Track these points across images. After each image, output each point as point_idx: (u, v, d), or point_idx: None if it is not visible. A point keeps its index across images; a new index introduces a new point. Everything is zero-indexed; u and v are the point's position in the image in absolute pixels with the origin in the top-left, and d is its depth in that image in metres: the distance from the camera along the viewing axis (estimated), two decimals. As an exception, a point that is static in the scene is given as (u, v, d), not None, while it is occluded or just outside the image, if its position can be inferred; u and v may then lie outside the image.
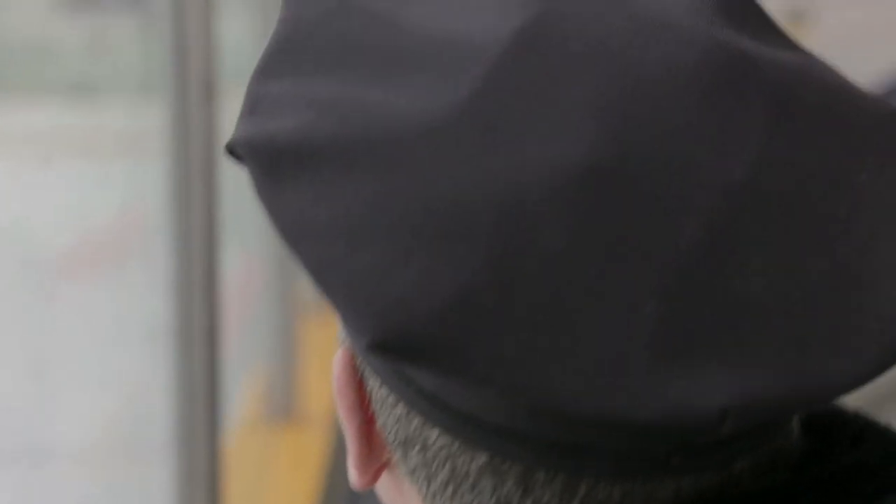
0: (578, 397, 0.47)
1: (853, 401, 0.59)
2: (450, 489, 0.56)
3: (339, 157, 0.51)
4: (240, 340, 3.60)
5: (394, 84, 0.54)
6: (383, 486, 0.63)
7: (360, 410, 0.59)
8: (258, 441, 3.31)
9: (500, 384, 0.48)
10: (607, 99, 0.51)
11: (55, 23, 21.95)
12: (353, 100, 0.53)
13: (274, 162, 0.52)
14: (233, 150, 0.53)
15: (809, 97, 0.54)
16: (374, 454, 0.60)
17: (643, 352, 0.47)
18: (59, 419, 5.19)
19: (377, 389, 0.58)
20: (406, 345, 0.48)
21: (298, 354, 3.61)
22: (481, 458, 0.54)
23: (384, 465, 0.61)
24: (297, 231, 0.50)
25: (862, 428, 0.60)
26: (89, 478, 4.33)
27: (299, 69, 0.56)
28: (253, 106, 0.55)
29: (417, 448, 0.57)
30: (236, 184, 2.68)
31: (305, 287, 4.41)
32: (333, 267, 0.49)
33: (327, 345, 3.63)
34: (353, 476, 0.61)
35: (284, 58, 0.57)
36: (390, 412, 0.57)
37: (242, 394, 3.60)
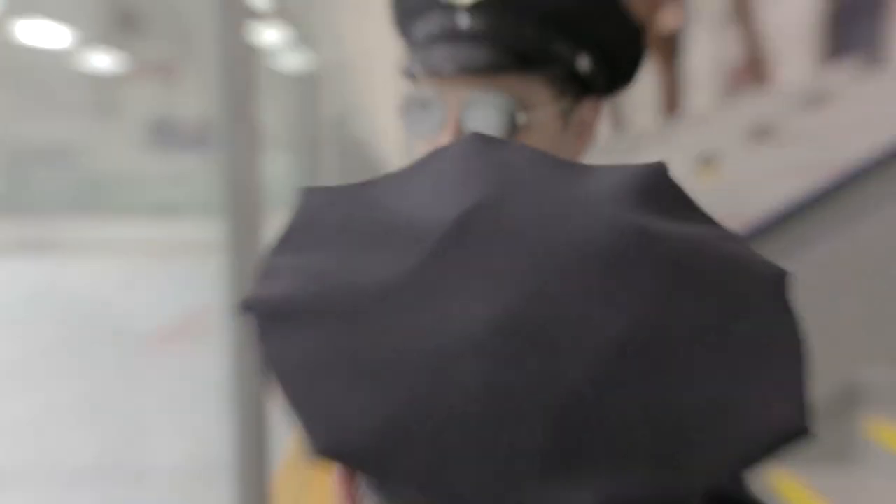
0: (477, 499, 0.53)
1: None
2: None
3: (313, 313, 0.58)
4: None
5: (367, 256, 0.61)
6: None
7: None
8: (298, 475, 3.25)
9: (415, 485, 0.53)
10: (524, 268, 0.57)
11: (143, 159, 29.49)
12: (335, 269, 0.60)
13: (267, 316, 0.59)
14: (244, 307, 0.60)
15: (700, 265, 0.60)
16: None
17: (535, 465, 0.52)
18: (153, 451, 6.11)
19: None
20: (344, 453, 0.54)
21: None
22: None
23: None
24: (277, 368, 0.56)
25: None
26: (173, 493, 4.60)
27: (301, 246, 0.63)
28: (263, 274, 0.61)
29: None
30: None
31: None
32: (299, 396, 0.55)
33: None
34: None
35: (291, 237, 0.64)
36: None
37: (288, 438, 3.58)
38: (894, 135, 5.73)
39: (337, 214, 0.65)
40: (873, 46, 17.58)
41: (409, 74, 1.24)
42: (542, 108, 1.21)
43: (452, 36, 1.21)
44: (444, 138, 1.20)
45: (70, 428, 7.48)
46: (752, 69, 17.89)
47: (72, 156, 31.24)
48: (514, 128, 1.19)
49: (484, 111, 1.19)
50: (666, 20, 15.16)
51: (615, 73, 1.28)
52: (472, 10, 1.21)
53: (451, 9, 1.22)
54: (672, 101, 23.42)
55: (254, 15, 1.79)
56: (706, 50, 25.20)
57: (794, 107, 10.75)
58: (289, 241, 0.64)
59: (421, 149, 1.25)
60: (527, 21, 1.20)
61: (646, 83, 26.23)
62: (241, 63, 1.72)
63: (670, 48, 20.39)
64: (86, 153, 31.58)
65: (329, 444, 0.54)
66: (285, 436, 3.32)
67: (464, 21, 1.20)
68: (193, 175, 28.47)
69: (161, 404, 7.14)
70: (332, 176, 3.82)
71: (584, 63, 1.23)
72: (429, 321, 0.56)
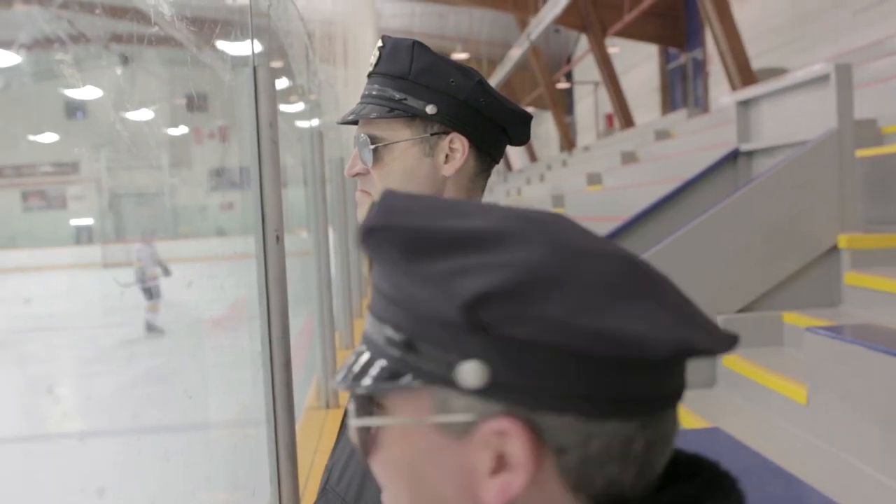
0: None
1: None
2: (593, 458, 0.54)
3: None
4: (304, 364, 3.45)
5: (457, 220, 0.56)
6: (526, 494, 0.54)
7: (529, 470, 0.53)
8: (318, 418, 3.13)
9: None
10: None
11: (208, 196, 29.00)
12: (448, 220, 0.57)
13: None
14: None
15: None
16: (535, 486, 0.54)
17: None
18: (213, 407, 5.77)
19: (553, 427, 0.53)
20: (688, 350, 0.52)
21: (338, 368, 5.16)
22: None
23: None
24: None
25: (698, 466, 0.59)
26: (229, 439, 4.39)
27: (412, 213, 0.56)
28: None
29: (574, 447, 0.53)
30: (299, 277, 3.42)
31: (340, 334, 4.38)
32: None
33: None
34: (499, 499, 0.54)
35: (399, 210, 0.57)
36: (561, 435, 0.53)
37: (308, 393, 3.43)
38: (713, 155, 5.86)
39: (422, 202, 0.59)
40: (696, 98, 17.95)
41: None
42: (401, 141, 1.25)
43: (362, 97, 1.31)
44: (352, 158, 1.29)
45: (154, 391, 7.49)
46: (619, 116, 18.16)
47: (158, 196, 31.08)
48: (373, 153, 1.25)
49: (358, 143, 1.26)
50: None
51: (478, 113, 1.27)
52: (369, 77, 1.29)
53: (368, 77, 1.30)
54: (568, 139, 23.58)
55: (278, 94, 1.79)
56: (588, 104, 25.58)
57: (648, 139, 11.01)
58: (402, 211, 0.58)
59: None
60: (388, 85, 1.25)
61: (550, 129, 26.59)
62: (269, 126, 1.72)
63: (564, 104, 20.11)
64: (167, 194, 31.44)
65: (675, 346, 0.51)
66: (303, 393, 3.37)
67: (366, 87, 1.30)
68: (238, 206, 28.46)
69: (218, 371, 6.80)
70: (335, 200, 3.86)
71: (431, 109, 1.24)
72: None
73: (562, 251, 0.55)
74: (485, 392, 0.53)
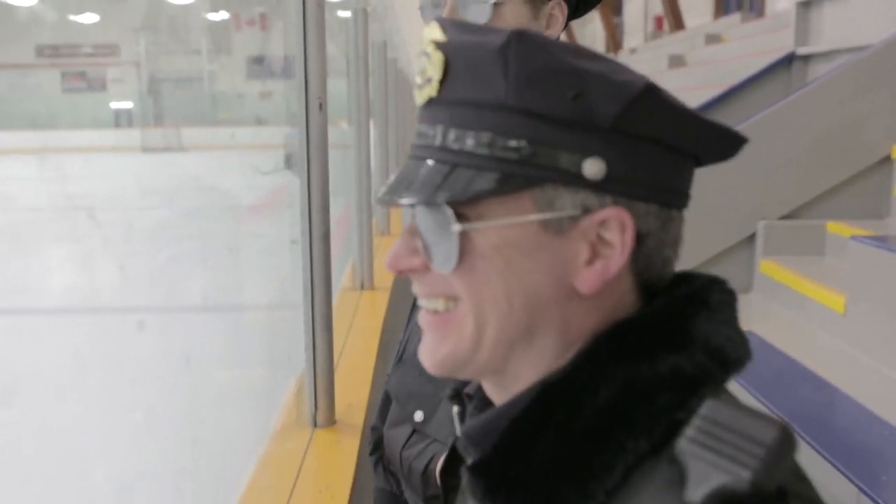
0: None
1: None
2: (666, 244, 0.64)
3: None
4: (341, 246, 3.46)
5: None
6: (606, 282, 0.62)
7: (627, 253, 0.61)
8: (352, 298, 3.14)
9: None
10: None
11: (246, 84, 28.95)
12: None
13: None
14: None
15: None
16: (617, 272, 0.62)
17: None
18: (249, 289, 5.82)
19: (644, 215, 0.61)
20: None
21: (374, 254, 3.42)
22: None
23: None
24: None
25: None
26: (265, 320, 4.33)
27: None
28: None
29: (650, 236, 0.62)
30: (340, 167, 3.21)
31: (376, 221, 4.39)
32: None
33: (385, 250, 3.86)
34: (594, 285, 0.61)
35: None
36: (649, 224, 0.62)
37: (344, 274, 3.46)
38: (767, 60, 5.69)
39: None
40: (751, 2, 17.31)
41: None
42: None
43: None
44: (449, 8, 1.19)
45: (190, 271, 7.49)
46: (670, 17, 17.61)
47: (197, 82, 31.00)
48: (491, 9, 1.17)
49: None
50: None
51: None
52: None
53: None
54: (615, 40, 22.97)
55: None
56: (637, 4, 24.81)
57: (698, 43, 10.76)
58: None
59: None
60: None
61: (597, 29, 25.90)
62: (313, 12, 1.68)
63: (612, 4, 19.61)
64: (206, 80, 31.35)
65: None
66: (339, 275, 3.44)
67: None
68: (277, 96, 28.34)
69: (255, 256, 6.75)
70: (377, 90, 3.82)
71: None
72: None
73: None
74: (599, 185, 0.60)
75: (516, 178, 0.60)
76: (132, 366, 4.81)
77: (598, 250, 0.61)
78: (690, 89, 7.15)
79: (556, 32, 1.23)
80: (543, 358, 0.64)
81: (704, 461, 0.53)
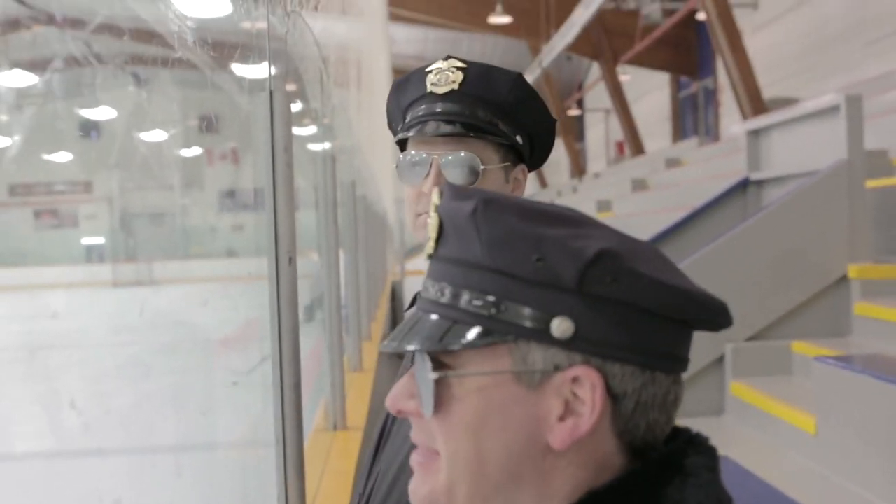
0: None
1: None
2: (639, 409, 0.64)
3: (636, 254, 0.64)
4: (313, 386, 3.44)
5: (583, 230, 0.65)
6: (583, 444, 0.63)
7: (597, 412, 0.62)
8: (325, 440, 3.12)
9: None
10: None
11: (217, 217, 28.91)
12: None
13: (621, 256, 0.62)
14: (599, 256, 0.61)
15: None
16: (592, 431, 0.63)
17: None
18: (217, 429, 5.68)
19: (621, 377, 0.63)
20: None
21: (346, 394, 3.37)
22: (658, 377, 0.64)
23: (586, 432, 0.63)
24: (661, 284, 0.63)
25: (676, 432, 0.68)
26: (234, 459, 4.29)
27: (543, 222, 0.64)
28: (577, 239, 0.63)
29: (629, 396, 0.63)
30: (310, 302, 3.56)
31: (348, 358, 4.25)
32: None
33: (362, 386, 3.98)
34: (565, 441, 0.62)
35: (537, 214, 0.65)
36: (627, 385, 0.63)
37: (316, 414, 3.40)
38: (724, 183, 5.87)
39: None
40: (707, 127, 17.93)
41: (402, 145, 1.29)
42: (493, 165, 1.25)
43: (433, 115, 1.24)
44: (427, 185, 1.23)
45: (160, 407, 7.41)
46: (630, 143, 18.17)
47: (169, 216, 31.18)
48: (475, 175, 1.22)
49: (456, 163, 1.23)
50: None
51: (538, 149, 1.32)
52: (444, 97, 1.24)
53: (433, 97, 1.25)
54: (578, 166, 23.56)
55: (292, 117, 1.79)
56: (599, 131, 25.59)
57: (658, 167, 11.04)
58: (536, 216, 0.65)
59: (411, 193, 1.27)
60: (479, 108, 1.24)
61: (561, 155, 26.60)
62: (284, 150, 1.72)
63: (575, 131, 20.11)
64: (179, 214, 31.54)
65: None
66: (311, 415, 3.41)
67: (439, 106, 1.24)
68: (248, 228, 28.53)
69: (226, 391, 6.98)
70: (346, 223, 3.85)
71: (519, 140, 1.26)
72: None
73: (623, 236, 0.66)
74: (568, 344, 0.62)
75: (491, 332, 0.63)
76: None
77: (572, 407, 0.63)
78: (655, 212, 7.35)
79: (521, 193, 1.30)
80: None
81: None
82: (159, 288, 22.51)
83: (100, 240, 30.18)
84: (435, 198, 0.69)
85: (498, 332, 0.63)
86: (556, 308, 0.62)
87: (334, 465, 2.81)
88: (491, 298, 0.63)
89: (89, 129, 28.77)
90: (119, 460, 6.16)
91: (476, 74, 1.25)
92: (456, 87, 1.24)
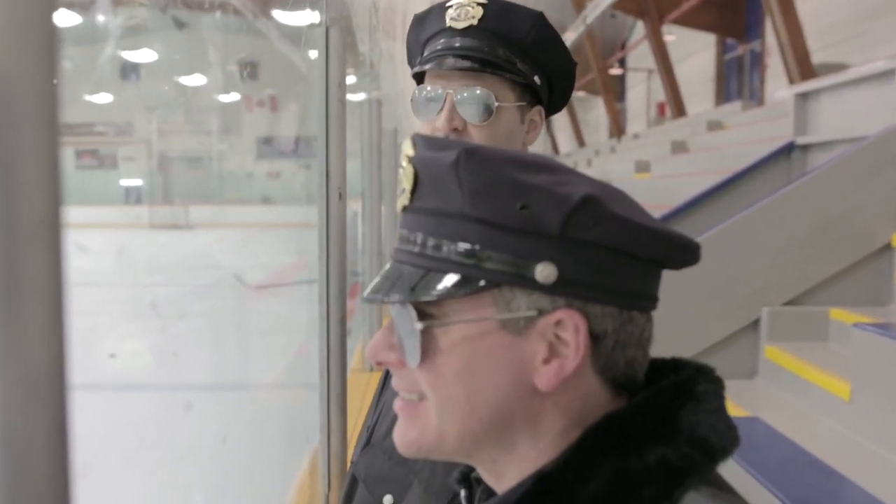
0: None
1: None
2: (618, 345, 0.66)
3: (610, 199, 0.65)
4: (354, 325, 3.47)
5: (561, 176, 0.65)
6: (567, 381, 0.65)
7: (581, 353, 0.64)
8: (362, 380, 3.19)
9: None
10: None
11: (254, 164, 29.12)
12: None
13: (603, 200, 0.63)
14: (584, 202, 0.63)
15: None
16: (576, 370, 0.64)
17: None
18: (255, 367, 5.56)
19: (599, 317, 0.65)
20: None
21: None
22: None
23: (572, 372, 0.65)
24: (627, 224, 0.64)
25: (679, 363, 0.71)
26: (276, 399, 4.33)
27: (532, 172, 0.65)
28: (559, 186, 0.64)
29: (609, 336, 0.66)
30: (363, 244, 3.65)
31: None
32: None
33: None
34: (551, 383, 0.64)
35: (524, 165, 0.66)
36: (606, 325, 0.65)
37: (354, 355, 3.41)
38: (766, 148, 5.79)
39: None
40: (752, 90, 17.63)
41: (419, 79, 1.28)
42: (508, 103, 1.22)
43: (451, 50, 1.23)
44: (440, 121, 1.21)
45: (197, 350, 7.42)
46: (672, 105, 17.92)
47: (206, 161, 31.35)
48: (489, 113, 1.21)
49: (471, 99, 1.21)
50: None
51: (557, 92, 1.29)
52: (462, 32, 1.23)
53: (452, 32, 1.23)
54: (618, 126, 23.34)
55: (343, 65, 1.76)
56: (640, 92, 25.26)
57: (700, 130, 10.92)
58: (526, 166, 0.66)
59: (425, 128, 1.25)
60: (497, 44, 1.22)
61: (600, 115, 26.34)
62: (338, 86, 1.72)
63: (616, 90, 19.91)
64: (216, 159, 31.70)
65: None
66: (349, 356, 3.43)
67: (458, 41, 1.23)
68: (284, 175, 28.62)
69: (261, 335, 6.54)
70: (389, 174, 3.76)
71: (537, 80, 1.24)
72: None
73: (598, 182, 0.68)
74: (551, 288, 0.64)
75: (474, 280, 0.64)
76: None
77: (556, 349, 0.65)
78: (693, 175, 7.28)
79: (535, 135, 1.28)
80: (519, 452, 0.67)
81: None
82: (195, 231, 22.69)
83: (138, 182, 30.45)
84: (408, 149, 0.69)
85: (481, 279, 0.64)
86: (539, 254, 0.63)
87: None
88: (473, 247, 0.64)
89: (130, 71, 28.96)
90: (150, 396, 6.25)
91: (496, 11, 1.22)
92: (475, 22, 1.22)
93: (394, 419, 1.17)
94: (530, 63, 1.23)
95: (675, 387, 0.67)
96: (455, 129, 1.21)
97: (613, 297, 0.65)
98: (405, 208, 0.69)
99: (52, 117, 0.39)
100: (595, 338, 0.65)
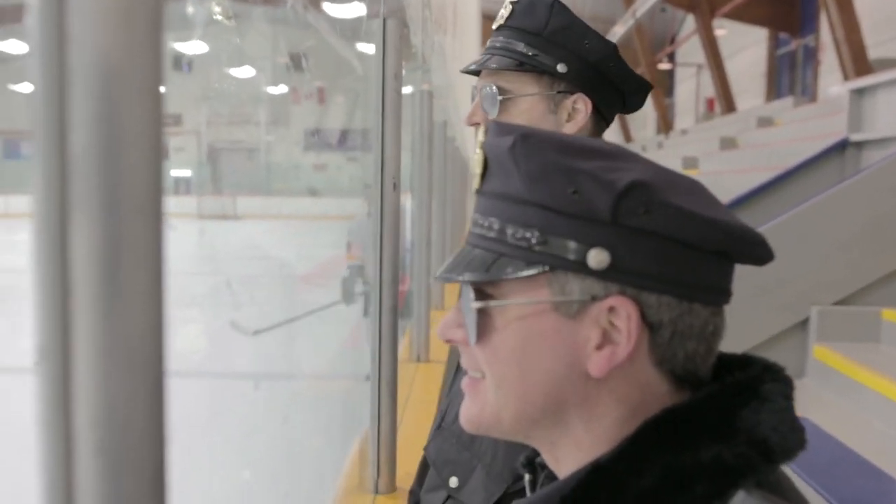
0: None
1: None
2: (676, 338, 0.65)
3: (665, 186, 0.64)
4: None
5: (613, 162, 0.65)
6: (622, 371, 0.66)
7: (633, 340, 0.64)
8: (409, 371, 3.15)
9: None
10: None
11: (302, 156, 29.25)
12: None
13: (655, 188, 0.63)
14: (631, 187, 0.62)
15: None
16: (630, 359, 0.65)
17: None
18: (303, 358, 5.70)
19: (656, 308, 0.64)
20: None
21: (430, 328, 3.40)
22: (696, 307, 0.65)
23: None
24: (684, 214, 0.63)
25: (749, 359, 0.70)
26: (322, 390, 4.30)
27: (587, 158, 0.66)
28: (611, 171, 0.64)
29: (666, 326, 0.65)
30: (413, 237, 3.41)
31: (433, 291, 4.23)
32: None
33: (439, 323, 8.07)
34: (603, 369, 0.65)
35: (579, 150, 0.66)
36: (663, 314, 0.64)
37: (401, 346, 3.08)
38: (819, 145, 5.70)
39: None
40: (804, 87, 17.33)
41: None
42: (527, 94, 1.26)
43: (487, 49, 1.30)
44: (473, 107, 1.29)
45: (245, 338, 7.65)
46: (721, 100, 17.69)
47: (255, 152, 31.64)
48: (500, 105, 1.26)
49: (485, 95, 1.27)
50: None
51: (604, 78, 1.28)
52: (496, 31, 1.30)
53: (494, 31, 1.31)
54: (666, 121, 23.08)
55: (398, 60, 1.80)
56: (689, 87, 24.96)
57: (750, 126, 10.81)
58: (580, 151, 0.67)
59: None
60: (519, 39, 1.26)
61: (648, 110, 26.10)
62: (394, 77, 1.76)
63: (664, 85, 19.67)
64: (263, 150, 31.97)
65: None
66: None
67: (490, 41, 1.30)
68: (331, 167, 28.75)
69: (307, 322, 6.75)
70: (439, 166, 3.83)
71: (562, 68, 1.25)
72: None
73: (661, 169, 0.67)
74: (604, 274, 0.64)
75: (532, 264, 0.65)
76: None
77: (609, 336, 0.65)
78: (742, 171, 7.18)
79: (579, 124, 1.27)
80: (575, 437, 0.68)
81: None
82: (243, 222, 22.97)
83: (187, 172, 30.82)
84: (480, 135, 0.72)
85: (538, 263, 0.65)
86: (592, 239, 0.64)
87: (418, 395, 2.88)
88: (532, 231, 0.65)
89: (181, 62, 29.33)
90: (201, 383, 6.34)
91: (521, 8, 1.27)
92: (503, 21, 1.28)
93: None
94: (554, 52, 1.25)
95: (740, 384, 0.66)
96: (476, 124, 1.27)
97: (670, 286, 0.64)
98: (477, 191, 0.72)
99: (156, 111, 0.41)
100: (651, 327, 0.65)
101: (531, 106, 1.26)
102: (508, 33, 1.27)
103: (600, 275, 0.64)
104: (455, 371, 1.36)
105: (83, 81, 0.39)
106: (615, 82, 1.28)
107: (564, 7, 1.27)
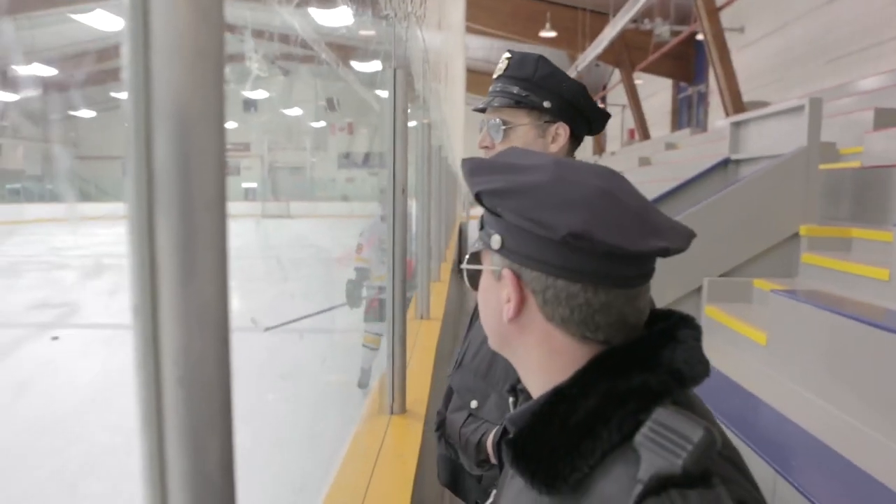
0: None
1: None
2: (575, 313, 0.63)
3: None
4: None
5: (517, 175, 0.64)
6: (525, 327, 0.65)
7: (516, 299, 0.64)
8: (414, 326, 3.03)
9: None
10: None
11: (336, 172, 28.71)
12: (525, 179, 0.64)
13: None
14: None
15: None
16: (526, 312, 0.64)
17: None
18: (336, 317, 4.93)
19: (537, 278, 0.63)
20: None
21: (430, 292, 3.31)
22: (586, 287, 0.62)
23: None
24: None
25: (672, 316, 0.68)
26: (351, 341, 4.08)
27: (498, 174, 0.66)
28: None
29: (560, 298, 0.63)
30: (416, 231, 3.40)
31: (432, 268, 4.02)
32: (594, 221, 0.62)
33: (439, 291, 3.84)
34: (509, 315, 0.66)
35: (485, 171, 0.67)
36: (547, 286, 0.63)
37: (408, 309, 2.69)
38: (709, 162, 5.68)
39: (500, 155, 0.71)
40: (698, 121, 17.26)
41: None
42: (522, 124, 1.24)
43: (490, 93, 1.28)
44: (482, 135, 1.27)
45: (292, 301, 7.43)
46: (639, 131, 17.63)
47: (303, 170, 31.41)
48: (503, 133, 1.24)
49: (491, 126, 1.25)
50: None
51: (580, 110, 1.26)
52: (496, 79, 1.27)
53: (495, 79, 1.28)
54: (599, 145, 22.94)
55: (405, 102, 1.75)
56: (616, 121, 24.86)
57: (660, 149, 10.80)
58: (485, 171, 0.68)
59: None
60: (514, 84, 1.24)
61: (587, 138, 25.95)
62: (402, 111, 1.71)
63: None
64: (309, 168, 31.76)
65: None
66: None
67: (492, 86, 1.28)
68: (357, 180, 28.60)
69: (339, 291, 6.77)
70: (435, 178, 3.79)
71: (547, 104, 1.23)
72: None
73: (557, 179, 0.64)
74: (501, 252, 0.67)
75: (483, 245, 0.70)
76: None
77: (510, 295, 0.66)
78: (654, 181, 7.13)
79: (560, 144, 1.25)
80: (525, 364, 0.68)
81: (652, 451, 0.55)
82: (295, 220, 22.94)
83: (254, 184, 30.67)
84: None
85: (482, 243, 0.70)
86: (495, 229, 0.67)
87: (421, 343, 2.87)
88: (484, 226, 0.70)
89: (250, 105, 29.18)
90: (268, 335, 6.33)
91: (515, 61, 1.26)
92: (502, 71, 1.26)
93: (477, 348, 1.23)
94: (540, 93, 1.23)
95: (662, 331, 0.65)
96: (485, 147, 1.26)
97: (538, 265, 0.64)
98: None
99: (219, 134, 0.40)
100: (534, 293, 0.65)
101: (525, 132, 1.25)
102: (506, 80, 1.25)
103: (502, 253, 0.66)
104: (469, 323, 1.33)
105: (164, 111, 0.37)
106: (585, 113, 1.27)
107: (547, 60, 1.26)
